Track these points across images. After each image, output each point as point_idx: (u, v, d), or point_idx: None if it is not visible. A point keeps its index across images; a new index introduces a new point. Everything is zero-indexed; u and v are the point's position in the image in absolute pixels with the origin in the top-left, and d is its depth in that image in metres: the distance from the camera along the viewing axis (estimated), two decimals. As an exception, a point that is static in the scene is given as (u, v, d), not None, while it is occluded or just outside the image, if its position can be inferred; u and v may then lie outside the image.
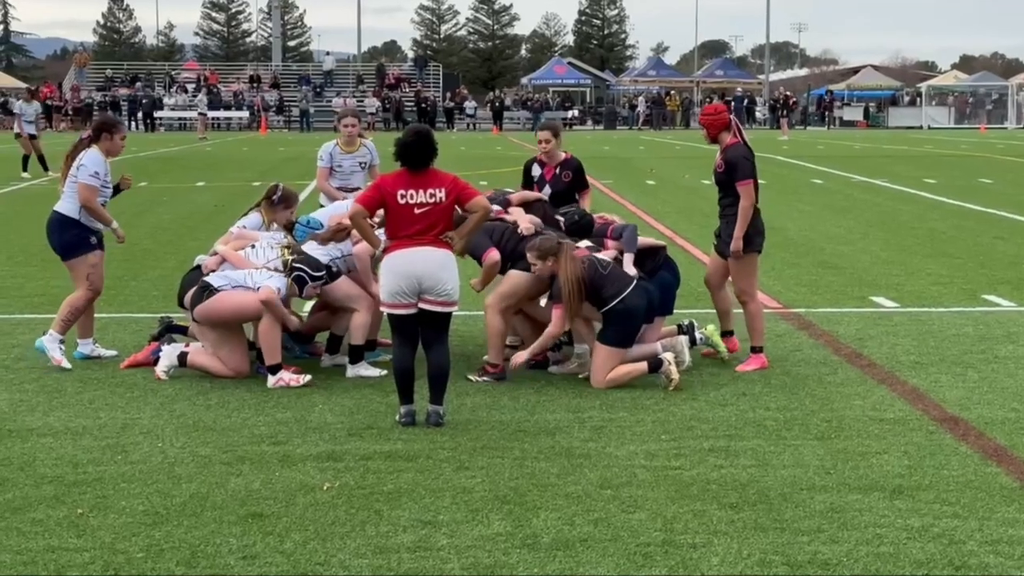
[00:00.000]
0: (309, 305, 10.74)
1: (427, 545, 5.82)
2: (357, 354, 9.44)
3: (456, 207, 8.03)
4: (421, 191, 7.86)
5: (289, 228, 9.98)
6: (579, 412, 8.30)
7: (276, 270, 9.27)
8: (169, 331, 9.88)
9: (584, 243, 9.36)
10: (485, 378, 9.18)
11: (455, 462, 7.14)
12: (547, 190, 10.53)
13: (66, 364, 9.47)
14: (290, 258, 9.32)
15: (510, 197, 9.99)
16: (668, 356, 8.98)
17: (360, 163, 11.60)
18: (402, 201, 7.85)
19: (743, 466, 7.07)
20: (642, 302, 9.05)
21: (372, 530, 6.02)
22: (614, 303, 8.94)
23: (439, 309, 7.92)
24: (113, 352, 9.99)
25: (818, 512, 6.29)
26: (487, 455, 7.28)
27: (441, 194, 7.89)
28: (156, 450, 7.40)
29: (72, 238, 9.65)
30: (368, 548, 5.78)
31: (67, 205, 9.65)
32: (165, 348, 9.39)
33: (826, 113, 79.71)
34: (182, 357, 9.28)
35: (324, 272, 9.33)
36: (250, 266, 9.36)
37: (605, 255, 9.27)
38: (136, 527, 6.06)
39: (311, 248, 9.47)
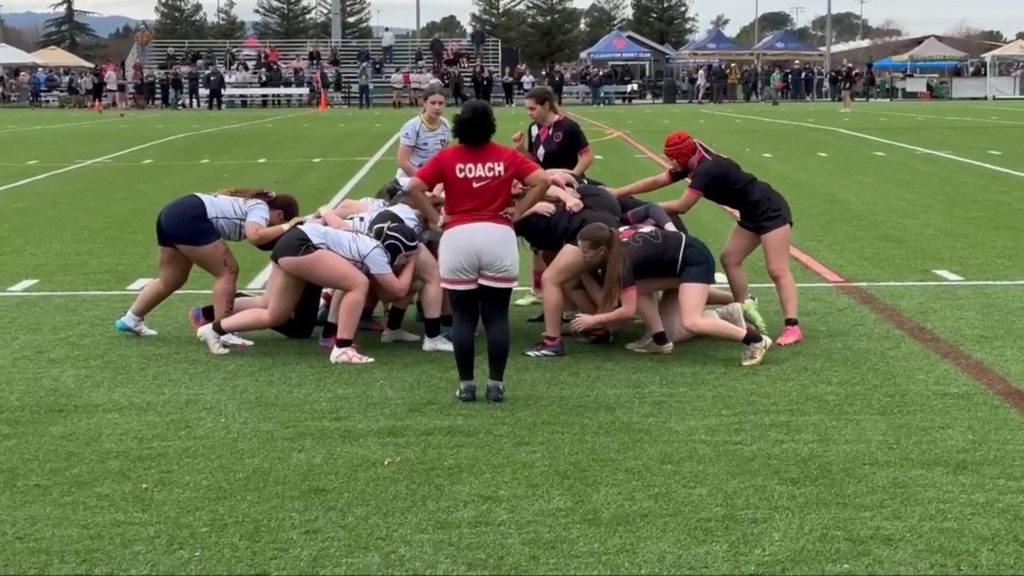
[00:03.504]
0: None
1: (488, 520, 5.84)
2: (434, 328, 9.46)
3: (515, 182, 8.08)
4: (480, 165, 7.87)
5: (391, 193, 10.24)
6: (639, 387, 8.29)
7: (367, 235, 9.33)
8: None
9: (623, 227, 9.43)
10: (544, 352, 9.19)
11: (515, 437, 7.15)
12: (541, 151, 11.03)
13: (248, 342, 9.61)
14: (385, 225, 9.37)
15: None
16: (766, 342, 8.93)
17: (441, 140, 11.60)
18: (460, 175, 7.86)
19: (804, 441, 7.03)
20: (701, 241, 9.34)
21: (433, 505, 6.05)
22: (682, 252, 9.09)
23: (499, 285, 7.93)
24: (153, 332, 10.05)
25: (881, 487, 6.24)
26: (547, 430, 7.29)
27: (500, 168, 7.89)
28: (219, 425, 7.47)
29: (207, 227, 9.67)
30: (429, 523, 5.81)
31: (213, 204, 9.72)
32: (200, 330, 9.48)
33: (869, 86, 78.37)
34: (217, 327, 9.37)
35: (417, 243, 9.36)
36: (348, 228, 9.45)
37: (646, 228, 9.37)
38: (200, 502, 6.12)
39: (402, 210, 9.54)
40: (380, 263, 9.20)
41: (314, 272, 9.17)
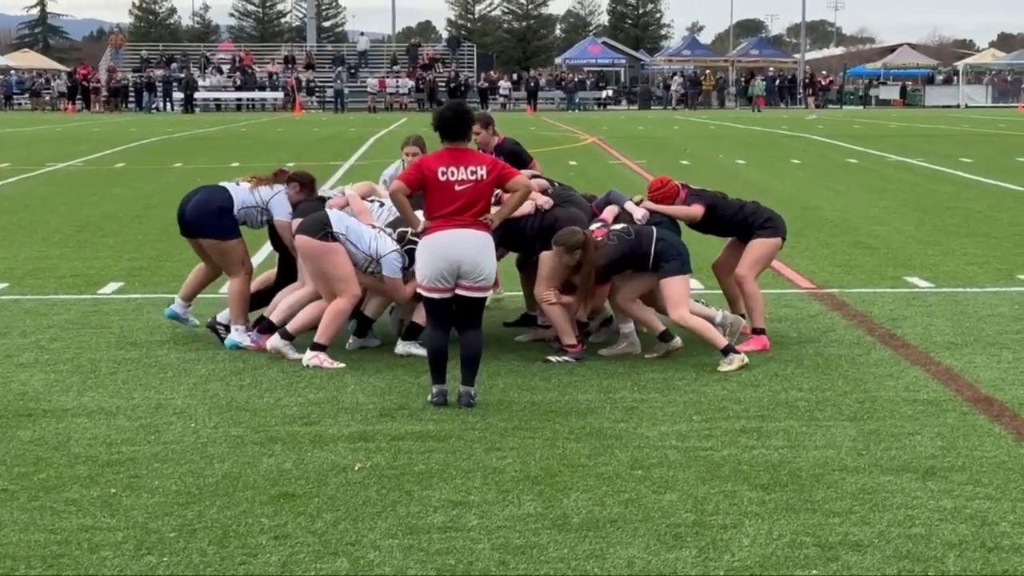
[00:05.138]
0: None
1: (458, 525, 5.84)
2: (414, 332, 9.43)
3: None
4: (462, 168, 7.84)
5: None
6: (610, 393, 8.29)
7: (392, 238, 9.22)
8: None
9: (595, 225, 9.44)
10: (565, 358, 9.18)
11: (486, 442, 7.15)
12: None
13: (266, 344, 9.43)
14: (410, 230, 9.29)
15: None
16: (743, 357, 8.93)
17: None
18: (443, 178, 7.81)
19: (775, 447, 7.05)
20: (673, 233, 9.36)
21: (403, 510, 6.04)
22: (654, 248, 9.10)
23: (476, 295, 7.91)
24: (195, 321, 10.06)
25: (850, 493, 6.26)
26: (518, 435, 7.29)
27: (482, 171, 7.87)
28: (189, 430, 7.44)
29: (232, 224, 9.66)
30: (399, 528, 5.80)
31: (237, 196, 9.67)
32: (273, 342, 9.30)
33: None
34: (285, 335, 9.27)
35: None
36: (371, 222, 9.36)
37: (618, 225, 9.39)
38: (169, 507, 6.10)
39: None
40: (394, 267, 9.16)
41: (320, 260, 9.10)
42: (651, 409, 7.88)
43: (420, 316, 9.36)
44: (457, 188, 7.82)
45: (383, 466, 6.72)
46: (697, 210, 9.70)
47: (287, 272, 9.89)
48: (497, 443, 7.14)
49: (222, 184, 9.87)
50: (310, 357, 9.02)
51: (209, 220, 9.65)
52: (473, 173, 7.85)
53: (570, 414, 7.77)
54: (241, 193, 9.73)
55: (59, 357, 9.37)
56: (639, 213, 9.61)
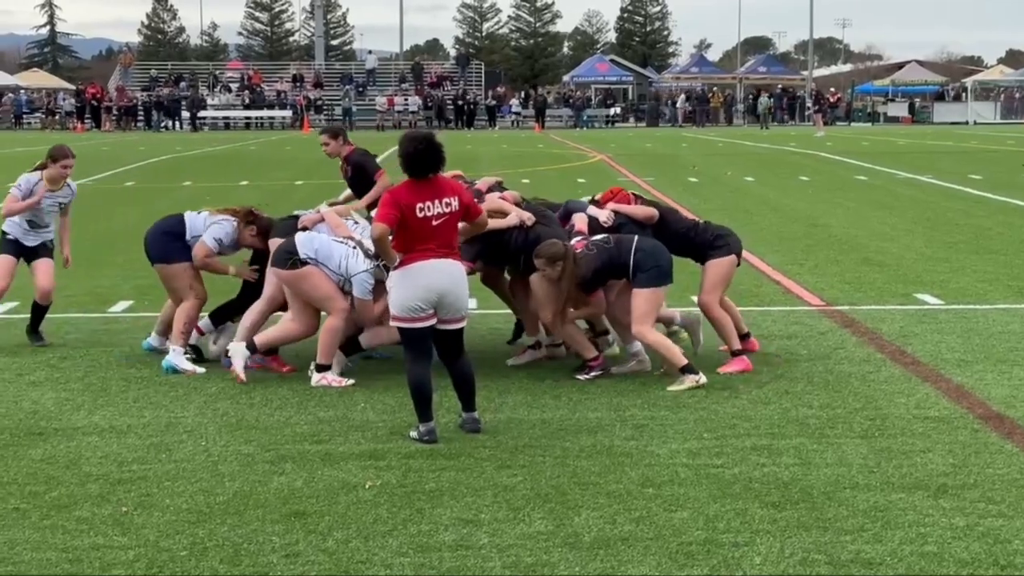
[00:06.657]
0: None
1: (468, 544, 5.83)
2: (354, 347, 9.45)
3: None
4: (437, 202, 7.57)
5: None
6: (620, 410, 8.29)
7: (368, 254, 9.13)
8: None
9: (576, 238, 9.42)
10: (593, 374, 9.20)
11: (496, 460, 7.14)
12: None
13: (200, 370, 9.47)
14: None
15: (479, 187, 9.98)
16: (698, 378, 8.85)
17: (60, 203, 10.96)
18: (421, 215, 7.52)
19: (786, 465, 7.04)
20: (653, 243, 9.28)
21: (414, 528, 6.03)
22: (632, 257, 9.07)
23: (457, 327, 7.75)
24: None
25: (861, 511, 6.25)
26: (528, 453, 7.28)
27: (455, 203, 7.64)
28: (199, 448, 7.44)
29: (179, 247, 9.72)
30: (410, 546, 5.80)
31: (196, 224, 9.76)
32: (232, 347, 9.30)
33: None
34: (251, 346, 9.25)
35: None
36: (348, 233, 9.35)
37: (598, 236, 9.39)
38: (180, 525, 6.10)
39: None
40: (364, 288, 9.14)
41: (298, 288, 9.14)
42: (661, 427, 7.87)
43: (366, 340, 9.31)
44: (435, 223, 7.56)
45: (394, 484, 6.72)
46: (654, 211, 9.77)
47: (250, 290, 9.85)
48: (507, 461, 7.13)
49: (183, 213, 9.96)
50: (318, 379, 9.02)
51: (154, 245, 9.81)
52: (448, 205, 7.59)
53: (580, 432, 7.76)
54: (197, 221, 9.79)
55: (70, 375, 9.39)
56: (603, 215, 9.65)
